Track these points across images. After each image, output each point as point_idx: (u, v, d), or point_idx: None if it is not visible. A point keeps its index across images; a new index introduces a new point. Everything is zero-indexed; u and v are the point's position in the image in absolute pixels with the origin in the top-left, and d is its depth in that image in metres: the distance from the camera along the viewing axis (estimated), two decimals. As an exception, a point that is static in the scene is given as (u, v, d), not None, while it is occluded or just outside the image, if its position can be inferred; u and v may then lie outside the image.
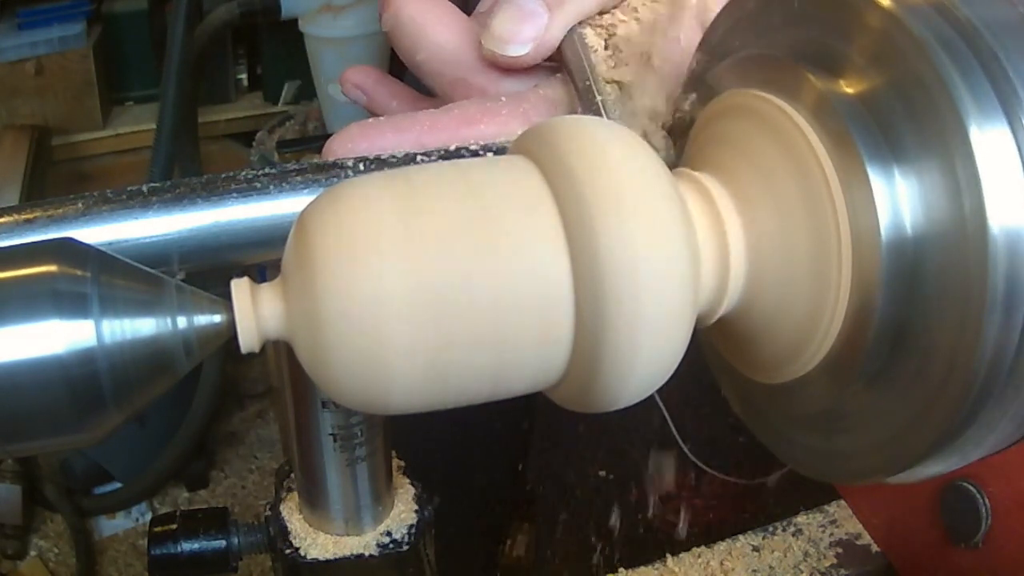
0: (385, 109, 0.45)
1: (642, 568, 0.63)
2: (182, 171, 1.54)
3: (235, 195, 0.35)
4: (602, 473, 0.93)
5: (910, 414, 0.30)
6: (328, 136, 0.41)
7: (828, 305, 0.31)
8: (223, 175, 0.36)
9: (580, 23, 0.41)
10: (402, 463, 0.50)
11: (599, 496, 0.93)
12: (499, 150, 0.37)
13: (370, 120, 0.40)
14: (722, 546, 0.65)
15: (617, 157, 0.30)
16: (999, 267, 0.27)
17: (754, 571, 0.63)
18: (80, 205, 0.34)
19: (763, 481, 0.81)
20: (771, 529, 0.66)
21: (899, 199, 0.29)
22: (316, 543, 0.47)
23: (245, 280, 0.31)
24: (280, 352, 0.42)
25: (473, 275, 0.29)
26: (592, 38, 0.41)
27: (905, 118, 0.29)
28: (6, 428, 0.27)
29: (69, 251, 0.28)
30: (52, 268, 0.27)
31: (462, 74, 0.42)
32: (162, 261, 0.34)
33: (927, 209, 0.29)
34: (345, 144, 0.39)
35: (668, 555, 0.64)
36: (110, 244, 0.34)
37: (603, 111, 0.38)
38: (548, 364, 0.31)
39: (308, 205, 0.31)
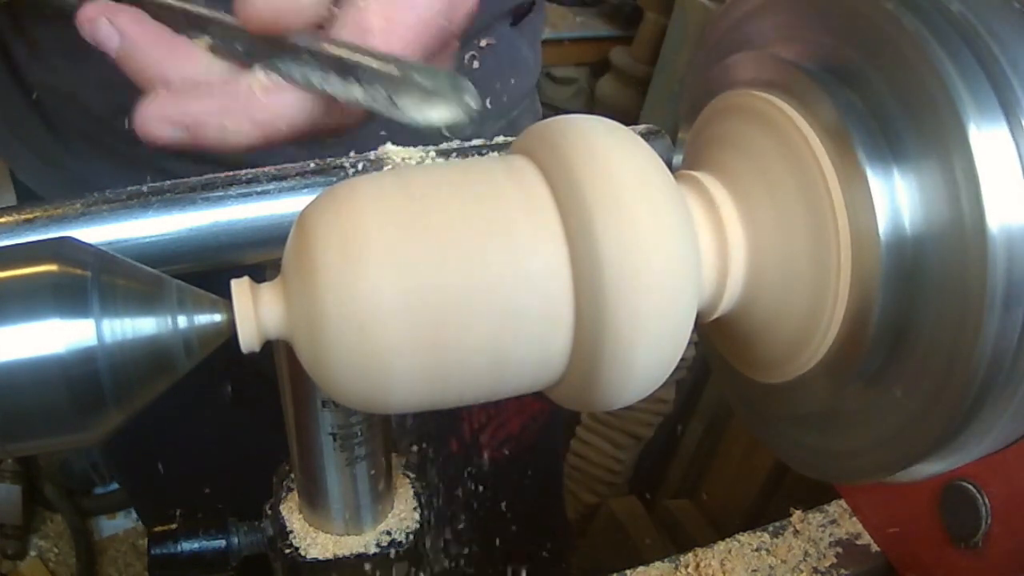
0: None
1: (641, 568, 0.63)
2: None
3: (235, 195, 0.35)
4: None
5: (910, 414, 0.30)
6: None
7: (827, 304, 0.31)
8: (223, 175, 0.36)
9: None
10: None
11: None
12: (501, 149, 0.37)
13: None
14: (722, 546, 0.65)
15: (617, 157, 0.30)
16: (998, 266, 0.27)
17: (754, 571, 0.63)
18: (80, 205, 0.34)
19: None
20: (771, 529, 0.66)
21: (898, 199, 0.29)
22: (316, 543, 0.47)
23: (245, 280, 0.31)
24: (280, 352, 0.42)
25: (473, 275, 0.29)
26: None
27: (904, 118, 0.29)
28: (6, 427, 0.27)
29: (69, 250, 0.28)
30: (52, 267, 0.27)
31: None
32: (162, 261, 0.34)
33: (926, 209, 0.29)
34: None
35: (668, 555, 0.64)
36: (110, 244, 0.34)
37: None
38: (548, 363, 0.31)
39: (308, 205, 0.31)
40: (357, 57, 0.32)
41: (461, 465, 0.81)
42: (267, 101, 0.34)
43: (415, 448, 0.68)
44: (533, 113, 0.73)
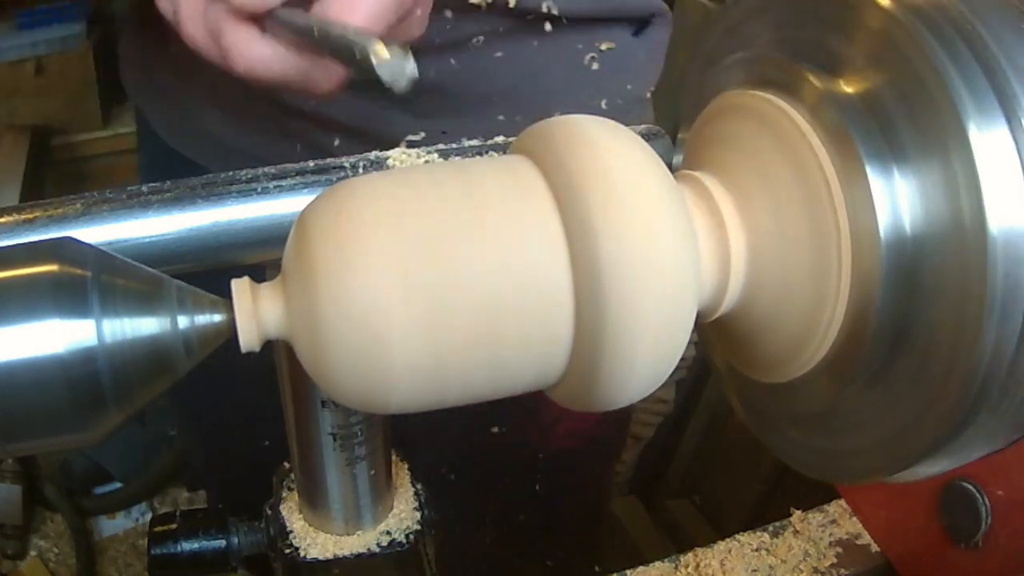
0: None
1: (641, 568, 0.63)
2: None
3: (235, 195, 0.35)
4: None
5: (910, 414, 0.30)
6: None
7: (828, 304, 0.31)
8: (223, 175, 0.36)
9: None
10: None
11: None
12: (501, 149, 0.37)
13: None
14: (722, 546, 0.64)
15: (617, 157, 0.30)
16: (998, 267, 0.27)
17: (754, 571, 0.63)
18: (80, 205, 0.34)
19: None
20: (771, 529, 0.65)
21: (898, 199, 0.29)
22: (316, 543, 0.47)
23: (245, 280, 0.31)
24: (280, 352, 0.42)
25: (473, 275, 0.29)
26: None
27: (904, 118, 0.29)
28: (6, 427, 0.27)
29: (69, 250, 0.28)
30: (53, 267, 0.27)
31: None
32: (162, 261, 0.34)
33: (926, 209, 0.29)
34: None
35: (668, 555, 0.64)
36: (110, 244, 0.34)
37: None
38: (548, 363, 0.31)
39: (308, 205, 0.31)
40: (330, 26, 0.37)
41: (533, 452, 0.82)
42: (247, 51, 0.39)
43: (496, 429, 0.69)
44: (645, 121, 0.75)
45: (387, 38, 0.35)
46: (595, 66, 0.64)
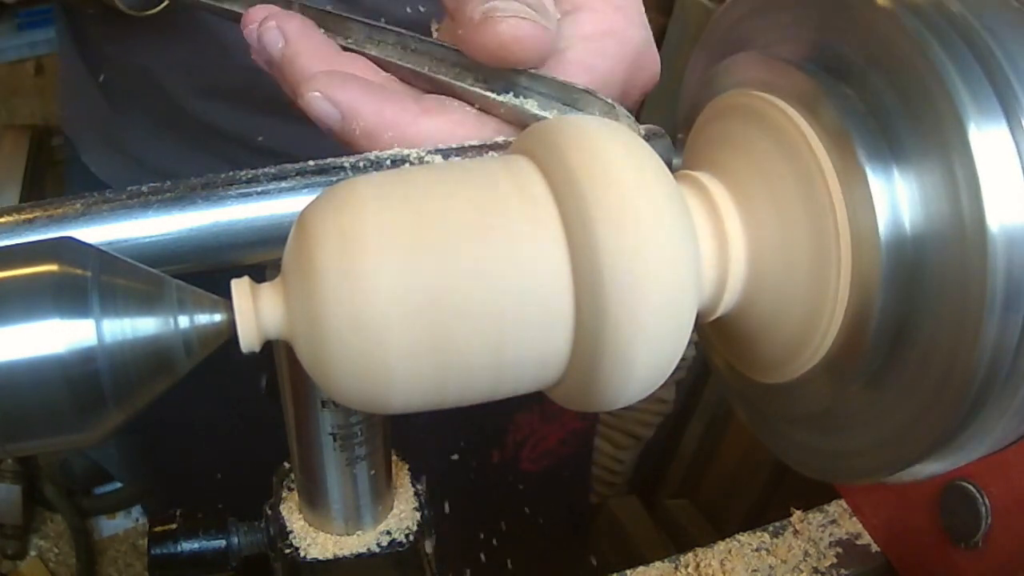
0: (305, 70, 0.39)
1: (641, 568, 0.63)
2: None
3: (235, 195, 0.35)
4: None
5: (910, 414, 0.30)
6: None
7: (827, 304, 0.31)
8: (223, 175, 0.36)
9: None
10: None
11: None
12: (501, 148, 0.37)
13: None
14: (722, 546, 0.65)
15: (617, 157, 0.30)
16: (998, 267, 0.27)
17: (754, 571, 0.63)
18: (80, 205, 0.34)
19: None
20: (771, 529, 0.66)
21: (898, 199, 0.29)
22: (316, 543, 0.47)
23: (245, 280, 0.31)
24: (280, 352, 0.42)
25: (473, 275, 0.29)
26: None
27: (904, 118, 0.29)
28: (6, 428, 0.27)
29: (70, 250, 0.28)
30: (52, 267, 0.27)
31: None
32: (162, 261, 0.34)
33: (926, 209, 0.29)
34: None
35: (668, 555, 0.64)
36: (110, 244, 0.34)
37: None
38: (548, 363, 0.31)
39: (308, 205, 0.31)
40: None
41: (500, 476, 0.83)
42: (420, 122, 0.36)
43: (455, 457, 0.70)
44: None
45: None
46: None
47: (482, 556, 0.81)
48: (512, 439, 0.85)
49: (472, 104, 0.38)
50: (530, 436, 0.86)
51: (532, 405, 0.86)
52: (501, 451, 0.85)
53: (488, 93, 0.38)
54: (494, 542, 0.83)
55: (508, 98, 0.37)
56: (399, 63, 0.40)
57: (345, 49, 0.40)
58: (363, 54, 0.40)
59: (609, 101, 0.37)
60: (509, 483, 0.87)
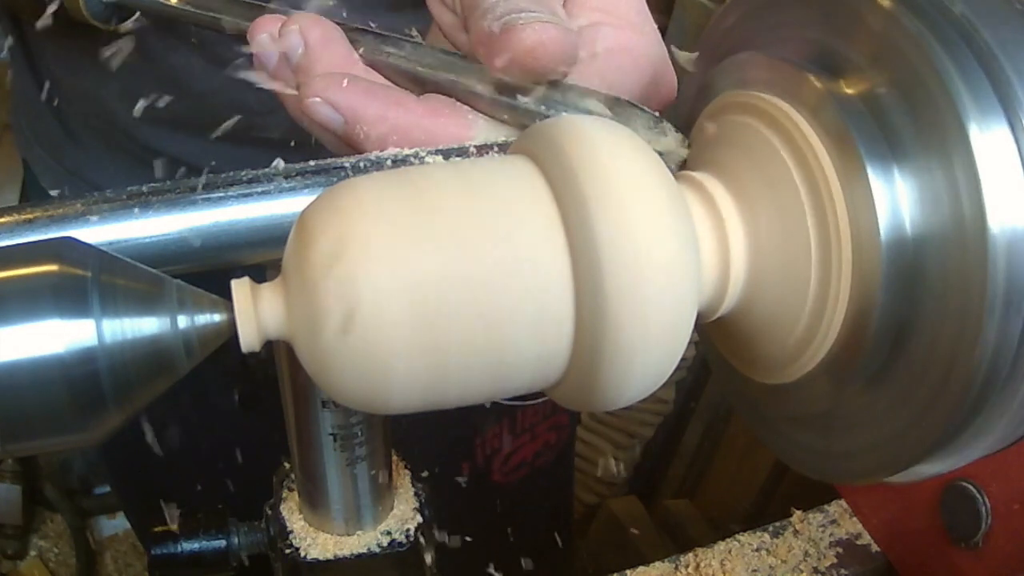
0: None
1: (641, 568, 0.63)
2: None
3: (235, 195, 0.35)
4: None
5: (910, 414, 0.30)
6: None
7: (828, 305, 0.31)
8: (223, 175, 0.36)
9: None
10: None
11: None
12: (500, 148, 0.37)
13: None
14: (722, 546, 0.65)
15: (617, 157, 0.30)
16: (999, 267, 0.27)
17: (754, 571, 0.63)
18: (80, 205, 0.34)
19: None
20: (771, 529, 0.66)
21: (899, 199, 0.29)
22: (316, 543, 0.47)
23: (245, 280, 0.31)
24: (280, 352, 0.42)
25: (473, 275, 0.29)
26: None
27: (905, 118, 0.29)
28: (6, 428, 0.27)
29: (70, 250, 0.28)
30: (53, 267, 0.27)
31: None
32: (162, 261, 0.34)
33: (927, 209, 0.29)
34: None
35: (668, 555, 0.64)
36: (110, 244, 0.34)
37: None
38: (548, 363, 0.31)
39: (308, 205, 0.31)
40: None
41: (473, 489, 0.83)
42: (425, 123, 0.36)
43: (426, 473, 0.70)
44: None
45: None
46: None
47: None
48: (481, 452, 0.85)
49: (486, 113, 0.38)
50: (500, 449, 0.87)
51: (502, 417, 0.87)
52: (471, 464, 0.85)
53: (507, 99, 0.37)
54: (474, 554, 0.84)
55: (520, 102, 0.37)
56: (415, 71, 0.39)
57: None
58: (375, 65, 0.40)
59: (656, 115, 0.36)
60: (483, 496, 0.87)
